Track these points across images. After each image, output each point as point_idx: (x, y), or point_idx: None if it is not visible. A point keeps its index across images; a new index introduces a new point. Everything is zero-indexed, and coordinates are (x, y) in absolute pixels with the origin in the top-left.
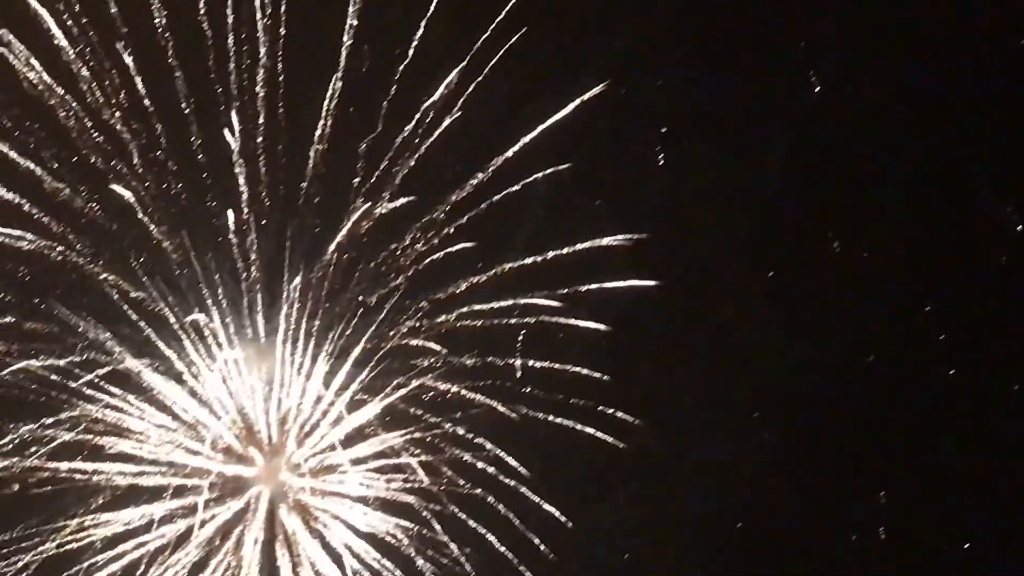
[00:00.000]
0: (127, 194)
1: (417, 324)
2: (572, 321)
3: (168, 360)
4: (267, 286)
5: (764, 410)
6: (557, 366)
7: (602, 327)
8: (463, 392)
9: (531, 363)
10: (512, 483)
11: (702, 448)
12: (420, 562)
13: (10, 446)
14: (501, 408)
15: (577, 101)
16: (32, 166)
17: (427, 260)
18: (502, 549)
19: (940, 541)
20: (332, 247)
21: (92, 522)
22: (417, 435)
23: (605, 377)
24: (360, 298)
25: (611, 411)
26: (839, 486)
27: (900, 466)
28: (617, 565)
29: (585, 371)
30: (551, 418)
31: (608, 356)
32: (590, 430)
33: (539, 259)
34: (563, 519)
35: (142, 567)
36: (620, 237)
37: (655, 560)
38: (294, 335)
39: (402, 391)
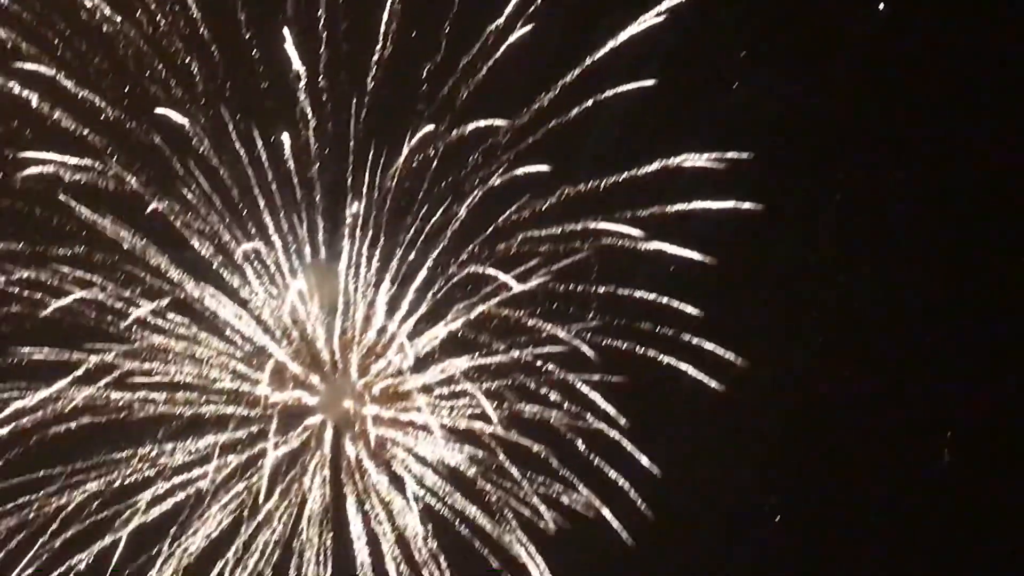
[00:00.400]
0: (184, 120)
1: (478, 249)
2: (658, 246)
3: (230, 287)
4: (329, 212)
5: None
6: (640, 295)
7: (694, 255)
8: (532, 321)
9: (616, 290)
10: (576, 409)
11: (787, 381)
12: (488, 488)
13: (83, 374)
14: (566, 336)
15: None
16: (91, 95)
17: (494, 183)
18: (568, 475)
19: (1006, 468)
20: (394, 172)
21: (158, 451)
22: (483, 362)
23: (695, 311)
24: (420, 222)
25: (708, 346)
26: (906, 415)
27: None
28: (691, 489)
29: (675, 303)
30: (618, 343)
31: (695, 286)
32: (680, 364)
33: (612, 181)
34: (644, 460)
35: (208, 496)
36: (715, 156)
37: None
38: (356, 261)
39: (468, 317)
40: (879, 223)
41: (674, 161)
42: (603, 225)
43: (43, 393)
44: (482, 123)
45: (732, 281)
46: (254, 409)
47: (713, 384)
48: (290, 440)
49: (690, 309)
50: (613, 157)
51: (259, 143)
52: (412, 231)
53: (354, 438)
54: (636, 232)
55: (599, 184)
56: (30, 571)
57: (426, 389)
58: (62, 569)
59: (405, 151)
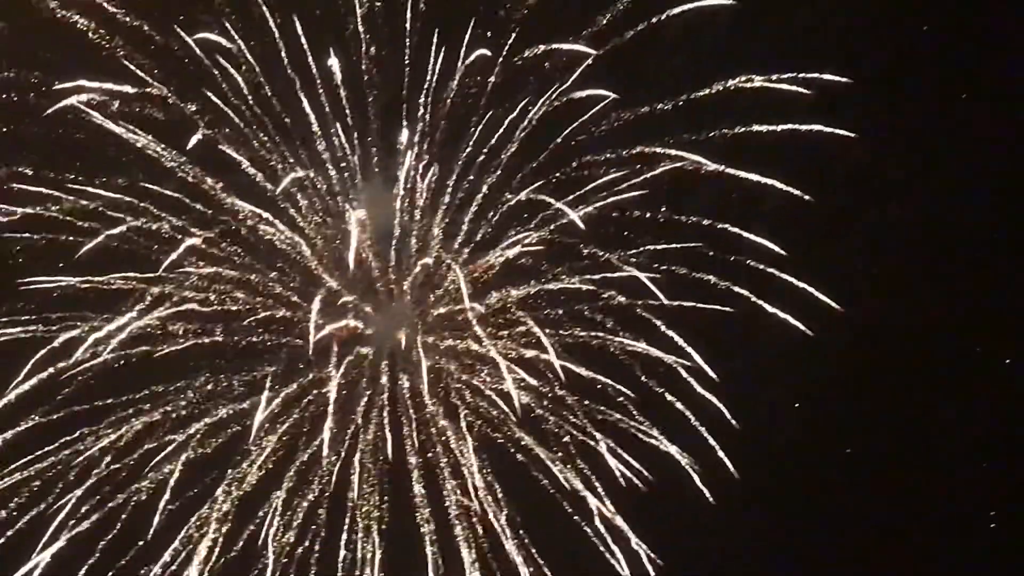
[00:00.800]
0: (231, 45)
1: (534, 175)
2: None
3: (283, 215)
4: (383, 138)
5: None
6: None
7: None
8: (595, 251)
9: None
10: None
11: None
12: (546, 416)
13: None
14: (618, 262)
15: None
16: (138, 22)
17: (550, 108)
18: (625, 403)
19: None
20: (447, 96)
21: (213, 383)
22: (541, 289)
23: (779, 249)
24: (475, 147)
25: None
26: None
27: None
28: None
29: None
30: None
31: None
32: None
33: (683, 103)
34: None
35: (263, 426)
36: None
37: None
38: (411, 188)
39: (525, 244)
40: (975, 155)
41: (750, 83)
42: (670, 151)
43: (111, 325)
44: (540, 48)
45: (821, 216)
46: (308, 339)
47: (800, 325)
48: (345, 370)
49: (773, 246)
50: (684, 79)
51: (313, 68)
52: (467, 157)
53: (409, 368)
54: (702, 159)
55: (672, 107)
56: (92, 502)
57: (482, 318)
58: (121, 499)
59: (458, 75)
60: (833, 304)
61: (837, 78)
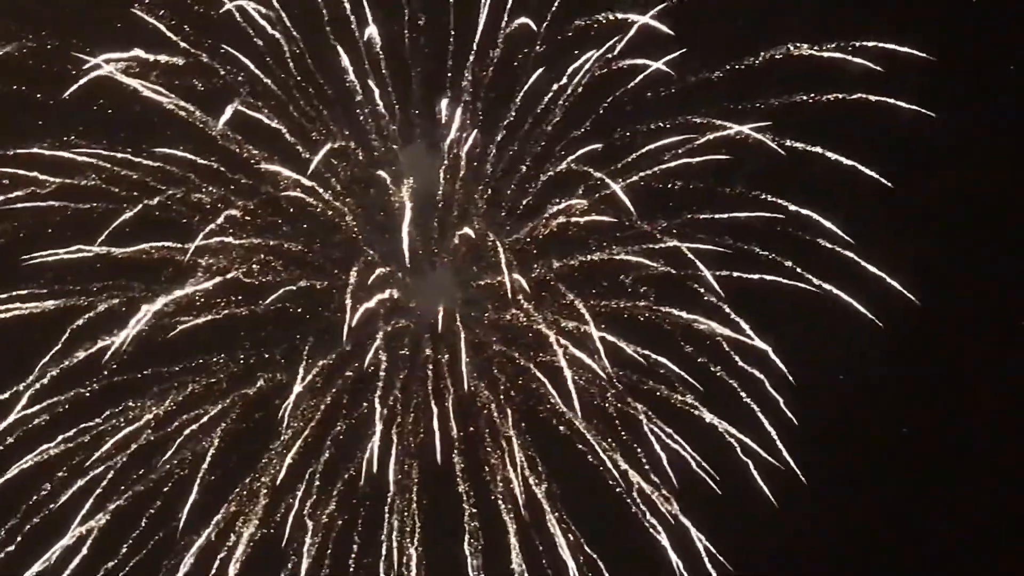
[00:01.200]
0: (271, 12)
1: (571, 141)
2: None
3: (326, 183)
4: (426, 104)
5: None
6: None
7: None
8: (645, 225)
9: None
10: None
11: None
12: (586, 388)
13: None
14: (660, 233)
15: None
16: None
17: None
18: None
19: None
20: (489, 65)
21: (255, 354)
22: (583, 261)
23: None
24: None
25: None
26: None
27: None
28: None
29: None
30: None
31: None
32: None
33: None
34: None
35: (307, 394)
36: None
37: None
38: (454, 157)
39: (569, 214)
40: None
41: (799, 52)
42: (716, 120)
43: (165, 297)
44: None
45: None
46: (346, 310)
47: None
48: (385, 342)
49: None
50: (735, 48)
51: (356, 36)
52: (510, 125)
53: (450, 339)
54: (751, 130)
55: (721, 77)
56: (134, 476)
57: (524, 290)
58: (164, 471)
59: (500, 41)
60: (907, 294)
61: (917, 52)
